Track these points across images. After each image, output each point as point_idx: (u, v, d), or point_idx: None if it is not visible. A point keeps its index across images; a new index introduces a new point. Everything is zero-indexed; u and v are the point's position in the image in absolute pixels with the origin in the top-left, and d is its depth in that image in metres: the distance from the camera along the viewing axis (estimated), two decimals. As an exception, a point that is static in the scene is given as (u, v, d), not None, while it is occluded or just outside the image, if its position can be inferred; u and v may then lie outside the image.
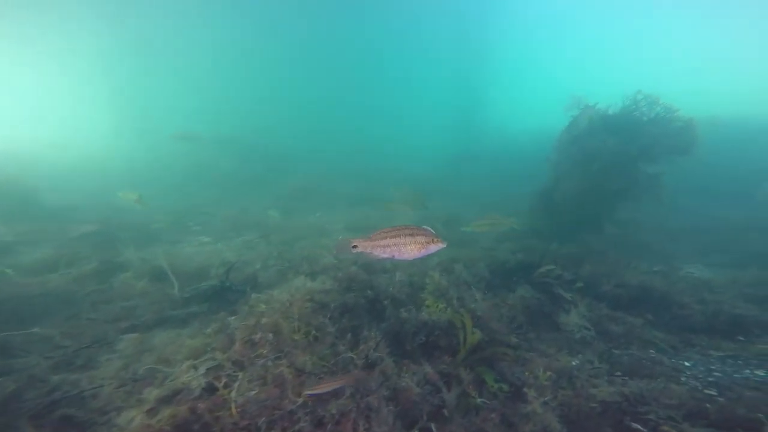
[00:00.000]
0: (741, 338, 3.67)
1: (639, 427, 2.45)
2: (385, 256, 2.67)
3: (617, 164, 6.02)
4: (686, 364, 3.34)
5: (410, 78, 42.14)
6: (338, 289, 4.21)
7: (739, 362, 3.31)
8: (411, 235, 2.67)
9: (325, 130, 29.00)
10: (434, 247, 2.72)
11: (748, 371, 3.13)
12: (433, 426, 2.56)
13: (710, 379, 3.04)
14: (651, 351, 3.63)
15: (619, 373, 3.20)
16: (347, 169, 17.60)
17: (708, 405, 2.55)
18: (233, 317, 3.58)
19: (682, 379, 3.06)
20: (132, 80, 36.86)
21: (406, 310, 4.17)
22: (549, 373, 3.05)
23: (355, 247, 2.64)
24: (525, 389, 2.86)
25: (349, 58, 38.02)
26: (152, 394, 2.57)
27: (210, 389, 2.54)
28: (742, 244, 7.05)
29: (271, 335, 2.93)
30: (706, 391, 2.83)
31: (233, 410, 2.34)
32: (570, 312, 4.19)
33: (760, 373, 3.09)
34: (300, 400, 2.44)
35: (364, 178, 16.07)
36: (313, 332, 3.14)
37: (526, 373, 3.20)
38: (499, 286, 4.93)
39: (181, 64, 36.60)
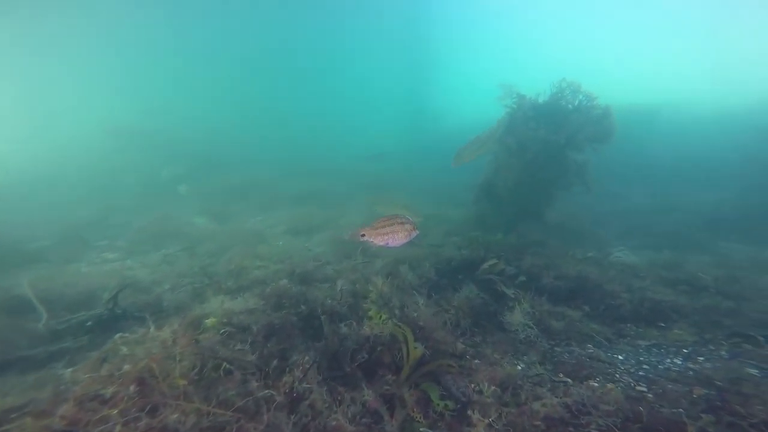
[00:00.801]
0: (662, 324, 3.90)
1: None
2: (381, 243, 3.03)
3: (548, 153, 6.15)
4: (620, 357, 3.43)
5: (355, 73, 40.85)
6: (265, 307, 3.67)
7: (662, 350, 3.49)
8: (401, 223, 3.08)
9: (267, 126, 27.07)
10: (414, 234, 3.13)
11: (668, 360, 3.29)
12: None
13: (640, 372, 3.13)
14: (589, 346, 3.70)
15: (561, 376, 3.17)
16: (291, 166, 16.49)
17: (641, 407, 2.57)
18: (72, 369, 2.75)
19: (617, 375, 3.11)
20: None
21: (346, 324, 3.78)
22: (493, 387, 2.90)
23: (363, 235, 2.99)
24: (469, 411, 2.66)
25: (291, 56, 35.57)
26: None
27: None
28: (654, 226, 7.81)
29: (133, 387, 2.15)
30: (638, 388, 2.89)
31: None
32: (514, 310, 4.15)
33: (678, 361, 3.26)
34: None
35: (309, 175, 15.22)
36: (212, 371, 2.57)
37: (471, 386, 3.03)
38: (446, 287, 4.77)
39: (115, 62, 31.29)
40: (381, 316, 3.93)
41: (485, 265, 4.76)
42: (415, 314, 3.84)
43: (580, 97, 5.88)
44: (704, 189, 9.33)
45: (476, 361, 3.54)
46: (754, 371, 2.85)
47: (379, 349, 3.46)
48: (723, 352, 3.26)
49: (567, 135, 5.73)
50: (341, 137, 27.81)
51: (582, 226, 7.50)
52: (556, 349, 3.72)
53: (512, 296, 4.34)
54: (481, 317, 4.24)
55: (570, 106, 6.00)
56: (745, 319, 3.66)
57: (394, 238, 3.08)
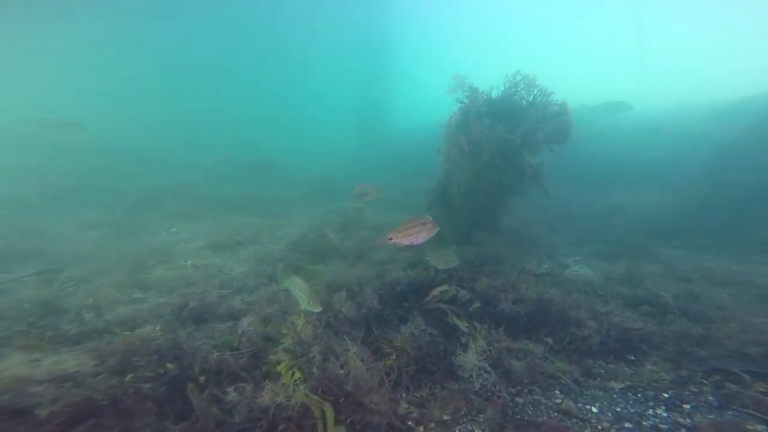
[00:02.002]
0: (632, 357, 3.36)
1: None
2: (406, 243, 3.44)
3: (504, 154, 5.54)
4: (593, 410, 2.76)
5: (308, 75, 38.67)
6: (97, 370, 2.46)
7: (639, 395, 2.89)
8: (423, 223, 3.51)
9: (209, 127, 24.40)
10: (434, 231, 3.58)
11: (651, 412, 2.68)
12: None
13: (622, 435, 2.47)
14: (556, 392, 3.01)
15: (527, 451, 2.40)
16: (231, 169, 14.61)
17: None
18: None
19: (595, 441, 2.41)
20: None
21: (237, 389, 2.70)
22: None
23: (391, 239, 3.42)
24: None
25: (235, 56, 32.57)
26: None
27: None
28: (604, 231, 7.69)
29: None
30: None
31: None
32: (468, 348, 3.35)
33: (662, 412, 2.67)
34: None
35: (252, 178, 13.59)
36: None
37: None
38: (389, 319, 3.85)
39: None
40: (293, 375, 2.89)
41: (435, 291, 3.93)
42: (342, 371, 2.86)
43: (535, 91, 5.34)
44: (646, 192, 9.60)
45: (420, 429, 2.67)
46: (760, 427, 2.30)
47: (281, 428, 2.45)
48: (710, 397, 2.73)
49: (523, 134, 5.14)
50: (292, 139, 26.08)
51: (536, 233, 7.09)
52: (517, 399, 2.98)
53: (465, 330, 3.55)
54: (429, 360, 3.39)
55: (524, 101, 5.45)
56: (718, 349, 3.23)
57: (417, 237, 3.47)
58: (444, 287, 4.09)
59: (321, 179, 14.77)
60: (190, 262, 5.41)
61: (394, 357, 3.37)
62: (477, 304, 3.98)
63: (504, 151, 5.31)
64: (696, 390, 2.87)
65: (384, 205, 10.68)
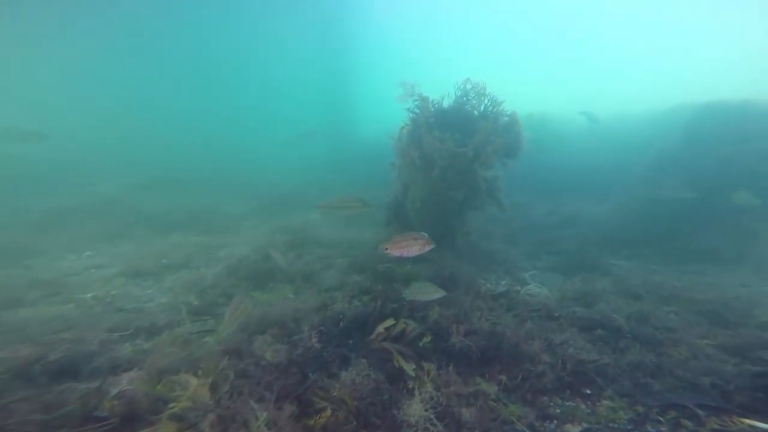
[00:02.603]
0: (588, 391, 3.13)
1: None
2: (397, 254, 3.63)
3: (456, 169, 5.25)
4: (550, 468, 2.45)
5: (268, 80, 37.06)
6: None
7: (597, 441, 2.64)
8: (414, 239, 3.72)
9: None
10: (428, 248, 3.76)
11: (611, 464, 2.42)
12: None
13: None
14: (509, 446, 2.67)
15: None
16: (170, 178, 13.29)
17: None
18: None
19: None
20: None
21: None
22: None
23: (386, 249, 3.61)
24: None
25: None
26: None
27: None
28: (557, 242, 7.74)
29: None
30: None
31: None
32: (414, 395, 2.94)
33: (622, 464, 2.41)
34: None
35: (198, 191, 12.42)
36: None
37: None
38: (330, 361, 3.35)
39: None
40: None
41: (380, 328, 3.49)
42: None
43: (486, 101, 5.14)
44: (597, 201, 9.93)
45: None
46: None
47: None
48: (668, 442, 2.53)
49: (475, 147, 4.90)
50: (250, 149, 24.64)
51: (495, 247, 6.94)
52: (469, 458, 2.60)
53: (412, 374, 3.14)
54: (373, 411, 2.92)
55: (476, 111, 5.23)
56: (671, 380, 3.09)
57: (408, 250, 3.63)
58: (390, 321, 3.66)
59: (280, 190, 13.91)
60: (91, 295, 4.53)
61: (329, 412, 2.87)
62: (428, 339, 3.60)
63: (456, 166, 5.04)
64: (653, 430, 2.67)
65: (345, 219, 10.18)
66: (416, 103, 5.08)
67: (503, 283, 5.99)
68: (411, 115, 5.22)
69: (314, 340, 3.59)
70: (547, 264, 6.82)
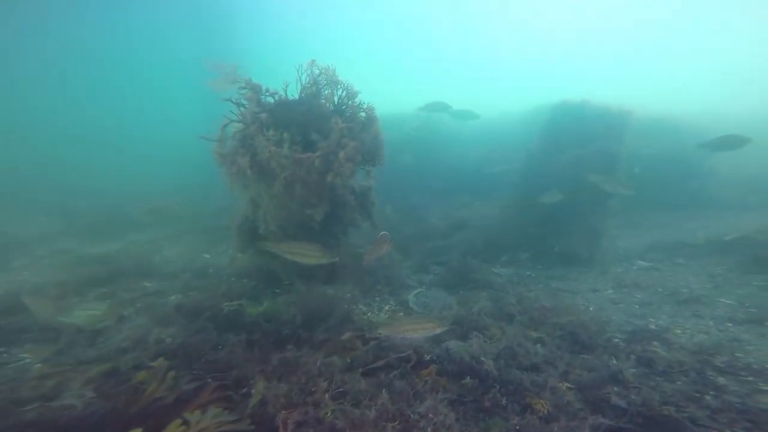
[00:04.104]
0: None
1: None
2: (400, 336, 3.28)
3: (305, 181, 3.94)
4: None
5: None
6: None
7: None
8: (429, 321, 3.46)
9: None
10: (438, 331, 3.38)
11: None
12: None
13: None
14: None
15: None
16: None
17: None
18: None
19: None
20: None
21: None
22: None
23: (380, 334, 3.27)
24: None
25: None
26: None
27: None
28: (450, 250, 7.29)
29: None
30: None
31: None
32: None
33: None
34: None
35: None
36: None
37: None
38: None
39: None
40: None
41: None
42: None
43: (340, 91, 4.04)
44: (485, 203, 9.99)
45: None
46: None
47: None
48: None
49: (325, 152, 3.77)
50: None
51: (382, 262, 6.05)
52: None
53: None
54: None
55: (330, 105, 4.09)
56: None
57: (413, 336, 3.30)
58: (179, 422, 2.29)
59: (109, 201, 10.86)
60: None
61: None
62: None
63: (303, 177, 3.87)
64: None
65: (206, 240, 8.25)
66: (242, 92, 3.72)
67: (386, 308, 5.15)
68: (240, 109, 3.83)
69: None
70: (434, 278, 6.27)
